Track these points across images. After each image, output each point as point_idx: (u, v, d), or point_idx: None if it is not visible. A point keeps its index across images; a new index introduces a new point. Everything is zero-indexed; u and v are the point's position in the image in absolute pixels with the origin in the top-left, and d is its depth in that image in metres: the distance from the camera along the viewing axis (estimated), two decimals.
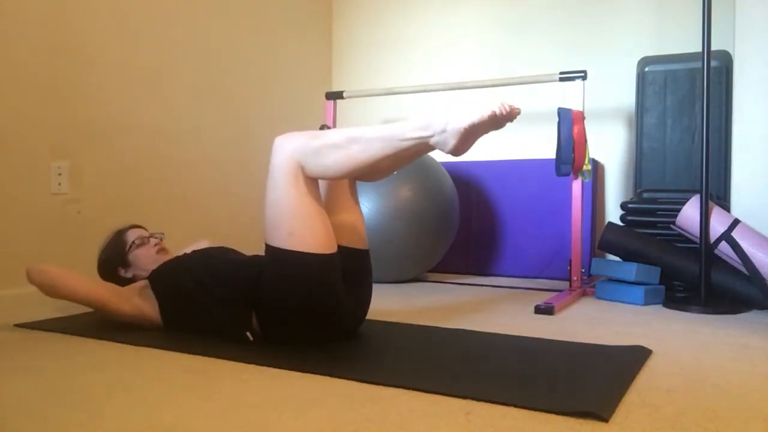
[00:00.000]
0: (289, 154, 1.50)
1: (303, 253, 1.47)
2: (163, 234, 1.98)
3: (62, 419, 1.04)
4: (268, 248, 1.52)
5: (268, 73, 3.21)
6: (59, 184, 2.24)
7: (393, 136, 1.47)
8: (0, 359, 1.43)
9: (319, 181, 1.62)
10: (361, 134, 1.49)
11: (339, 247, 1.56)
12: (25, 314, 1.95)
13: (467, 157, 3.29)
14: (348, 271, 1.57)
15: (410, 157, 1.56)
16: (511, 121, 1.47)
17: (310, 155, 1.49)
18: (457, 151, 1.48)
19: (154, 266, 1.77)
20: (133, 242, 1.86)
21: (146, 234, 1.92)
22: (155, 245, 1.88)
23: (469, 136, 1.47)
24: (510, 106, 1.44)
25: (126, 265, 1.85)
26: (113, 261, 1.86)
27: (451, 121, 1.45)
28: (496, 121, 1.46)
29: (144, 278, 1.78)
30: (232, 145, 2.98)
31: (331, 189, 1.65)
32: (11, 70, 2.10)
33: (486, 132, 1.49)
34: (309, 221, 1.49)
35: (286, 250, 1.48)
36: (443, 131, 1.46)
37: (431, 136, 1.47)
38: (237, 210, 2.99)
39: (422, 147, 1.49)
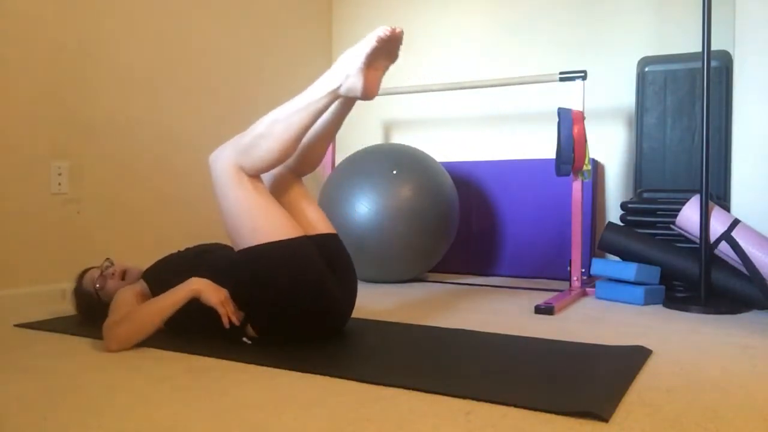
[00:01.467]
0: (225, 162, 1.56)
1: (272, 242, 1.51)
2: (109, 260, 1.88)
3: (62, 419, 1.04)
4: (241, 254, 1.55)
5: (268, 73, 3.21)
6: (59, 184, 2.24)
7: (307, 102, 1.54)
8: (0, 359, 1.43)
9: (270, 187, 1.69)
10: (279, 113, 1.55)
11: (310, 237, 1.59)
12: (25, 314, 1.96)
13: (467, 157, 3.29)
14: (326, 257, 1.59)
15: (335, 122, 1.67)
16: (401, 43, 1.54)
17: (243, 154, 1.55)
18: (367, 91, 1.53)
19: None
20: (96, 288, 1.79)
21: (97, 273, 1.82)
22: (113, 275, 1.80)
23: (371, 71, 1.53)
24: (390, 28, 1.50)
25: (105, 305, 1.77)
26: (96, 311, 1.79)
27: (349, 65, 1.52)
28: (387, 49, 1.54)
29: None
30: None
31: (279, 190, 1.69)
32: (11, 70, 2.10)
33: (385, 65, 1.56)
34: (266, 213, 1.53)
35: (256, 246, 1.51)
36: (347, 76, 1.52)
37: (339, 87, 1.53)
38: None
39: (336, 99, 1.57)
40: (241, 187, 1.54)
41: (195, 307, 1.59)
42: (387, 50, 1.54)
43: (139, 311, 1.51)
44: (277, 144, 1.53)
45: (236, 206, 1.54)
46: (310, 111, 1.54)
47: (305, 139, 1.69)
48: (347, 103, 1.67)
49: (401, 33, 1.52)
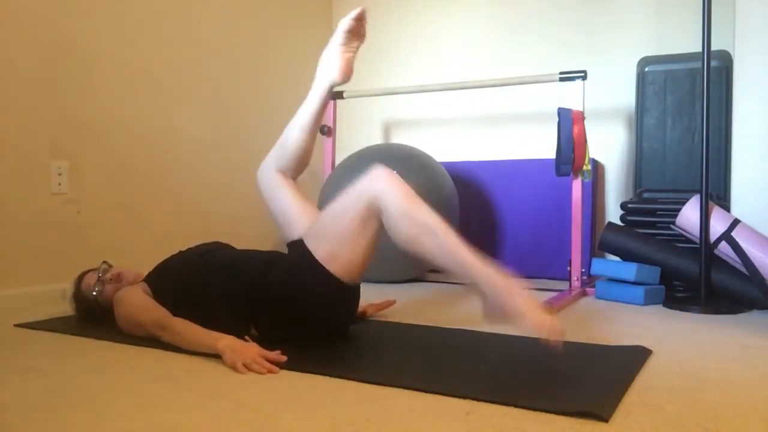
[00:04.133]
0: (379, 191, 1.46)
1: (334, 277, 1.50)
2: (106, 262, 1.87)
3: (62, 419, 1.04)
4: (304, 250, 1.53)
5: (268, 73, 3.21)
6: (59, 184, 2.24)
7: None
8: (0, 359, 1.43)
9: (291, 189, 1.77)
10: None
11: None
12: (25, 314, 1.95)
13: (467, 157, 3.29)
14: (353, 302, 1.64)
15: (319, 112, 1.78)
16: (365, 20, 1.69)
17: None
18: (343, 73, 1.72)
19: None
20: (93, 293, 1.78)
21: (94, 278, 1.81)
22: (110, 279, 1.79)
23: (344, 55, 1.71)
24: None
25: (105, 309, 1.78)
26: (95, 315, 1.80)
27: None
28: (355, 31, 1.69)
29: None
30: (231, 144, 2.98)
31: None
32: (11, 70, 2.10)
33: (356, 46, 1.72)
34: (355, 256, 1.50)
35: (320, 265, 1.50)
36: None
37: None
38: (237, 209, 2.99)
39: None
40: (367, 219, 1.48)
41: (195, 307, 1.59)
42: (355, 32, 1.70)
43: (182, 333, 1.47)
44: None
45: (347, 223, 1.48)
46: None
47: (295, 138, 1.77)
48: (327, 92, 1.78)
49: (363, 12, 1.67)
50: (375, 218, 1.48)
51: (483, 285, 1.36)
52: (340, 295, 1.54)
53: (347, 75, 1.72)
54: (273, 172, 1.76)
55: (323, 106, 1.78)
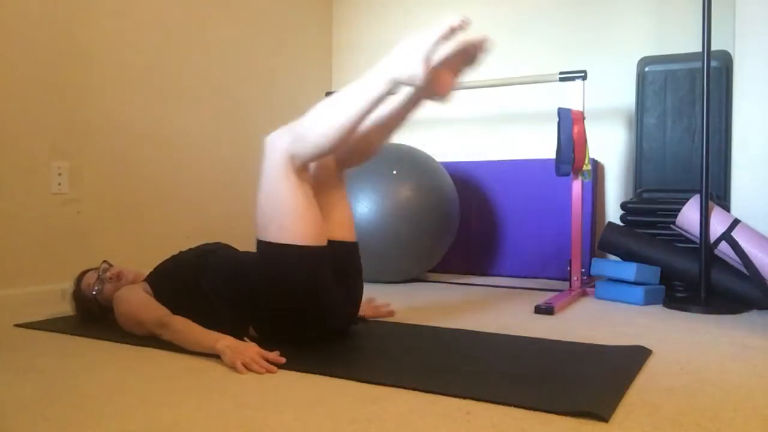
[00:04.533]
0: (279, 149, 1.50)
1: (293, 246, 1.48)
2: (106, 262, 1.88)
3: (62, 419, 1.04)
4: (260, 244, 1.53)
5: (268, 73, 3.21)
6: (59, 184, 2.24)
7: (362, 88, 1.43)
8: (0, 359, 1.43)
9: (309, 176, 1.62)
10: (334, 98, 1.47)
11: (329, 241, 1.57)
12: (25, 314, 1.95)
13: (467, 157, 3.29)
14: (338, 265, 1.58)
15: (397, 116, 1.60)
16: (482, 50, 1.47)
17: (297, 140, 1.48)
18: (437, 88, 1.48)
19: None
20: (93, 292, 1.79)
21: (94, 277, 1.82)
22: (110, 278, 1.80)
23: (444, 70, 1.48)
24: (459, 19, 1.39)
25: (105, 309, 1.79)
26: (95, 314, 1.81)
27: (410, 51, 1.41)
28: (466, 51, 1.48)
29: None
30: (232, 145, 2.98)
31: (319, 182, 1.64)
32: (11, 70, 2.10)
33: (460, 68, 1.51)
34: (300, 214, 1.49)
35: (278, 245, 1.49)
36: (407, 64, 1.41)
37: (397, 73, 1.42)
38: (237, 209, 2.99)
39: (394, 87, 1.44)
40: (286, 178, 1.49)
41: (195, 307, 1.59)
42: (465, 52, 1.49)
43: (183, 332, 1.47)
44: (329, 131, 1.43)
45: (274, 198, 1.50)
46: (365, 98, 1.42)
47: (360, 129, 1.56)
48: (414, 97, 1.59)
49: (484, 41, 1.44)
50: (291, 170, 1.49)
51: (390, 81, 1.40)
52: (313, 258, 1.50)
53: (443, 92, 1.46)
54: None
55: (404, 112, 1.57)
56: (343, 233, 1.63)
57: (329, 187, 1.64)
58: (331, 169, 1.66)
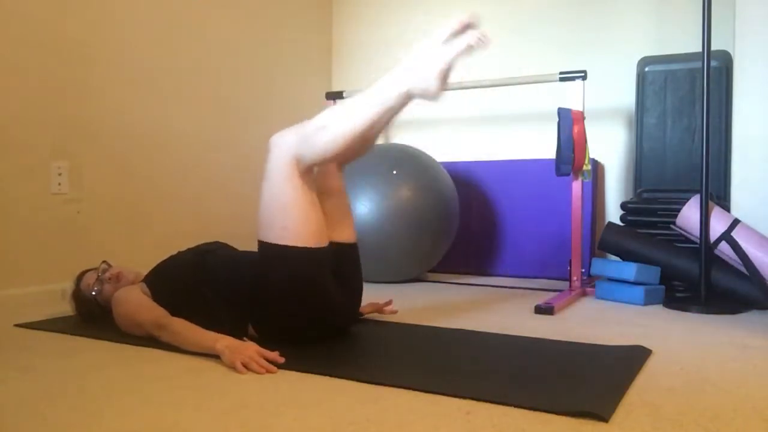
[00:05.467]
0: (284, 150, 1.50)
1: (295, 247, 1.48)
2: (105, 262, 1.88)
3: (62, 419, 1.04)
4: (261, 244, 1.53)
5: (268, 73, 3.21)
6: (59, 184, 2.24)
7: (376, 99, 1.43)
8: (0, 359, 1.43)
9: (312, 177, 1.61)
10: (346, 106, 1.48)
11: (330, 242, 1.57)
12: (25, 314, 1.95)
13: (467, 157, 3.29)
14: (338, 265, 1.59)
15: (393, 115, 1.54)
16: (480, 46, 1.43)
17: (303, 144, 1.48)
18: (438, 94, 1.44)
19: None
20: (93, 292, 1.79)
21: (93, 278, 1.82)
22: (109, 278, 1.80)
23: (446, 73, 1.43)
24: (480, 36, 1.38)
25: (105, 309, 1.79)
26: (95, 314, 1.81)
27: (428, 66, 1.40)
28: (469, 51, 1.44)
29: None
30: (231, 145, 2.98)
31: (321, 183, 1.64)
32: (11, 70, 2.10)
33: (457, 63, 1.47)
34: (303, 215, 1.49)
35: (279, 246, 1.49)
36: (425, 79, 1.40)
37: (414, 88, 1.42)
38: (236, 210, 2.99)
39: (407, 101, 1.45)
40: (290, 179, 1.49)
41: (194, 307, 1.59)
42: (465, 51, 1.46)
43: (181, 333, 1.47)
44: (338, 138, 1.44)
45: (277, 199, 1.50)
46: (379, 110, 1.43)
47: (336, 135, 1.52)
48: (411, 99, 1.55)
49: (483, 38, 1.39)
50: (296, 171, 1.49)
51: (405, 94, 1.42)
52: (314, 260, 1.50)
53: (440, 96, 1.44)
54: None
55: (390, 112, 1.47)
56: (344, 234, 1.64)
57: (329, 188, 1.65)
58: (331, 169, 1.66)
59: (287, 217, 1.49)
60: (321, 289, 1.52)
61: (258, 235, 1.54)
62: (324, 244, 1.53)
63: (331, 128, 1.45)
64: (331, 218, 1.62)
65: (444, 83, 1.43)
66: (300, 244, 1.48)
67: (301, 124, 1.53)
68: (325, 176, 1.65)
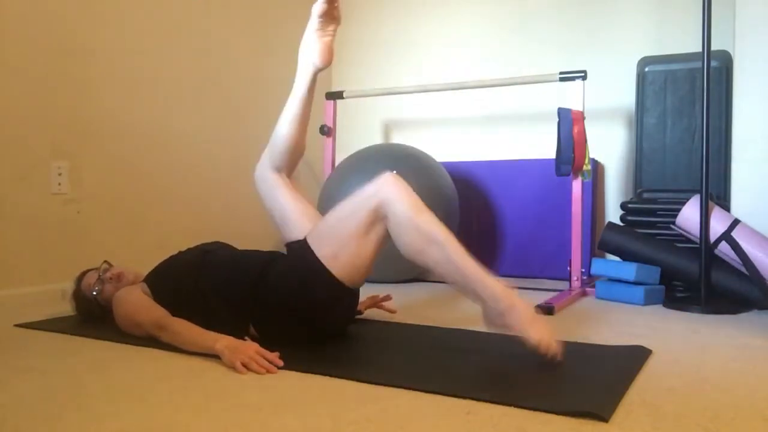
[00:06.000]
0: (390, 201, 1.47)
1: (334, 278, 1.50)
2: (106, 262, 1.88)
3: (62, 419, 1.04)
4: (306, 248, 1.53)
5: (268, 73, 3.21)
6: (59, 184, 2.24)
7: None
8: (0, 359, 1.43)
9: (286, 185, 1.73)
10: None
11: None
12: (25, 314, 1.95)
13: (467, 157, 3.29)
14: None
15: (308, 101, 1.72)
16: (337, 3, 1.63)
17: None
18: (323, 58, 1.66)
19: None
20: (93, 292, 1.79)
21: (94, 278, 1.82)
22: (110, 278, 1.80)
23: (322, 39, 1.66)
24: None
25: (105, 309, 1.79)
26: (95, 314, 1.81)
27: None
28: (329, 15, 1.64)
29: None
30: (231, 145, 2.98)
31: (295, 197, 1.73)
32: (11, 70, 2.10)
33: (333, 29, 1.67)
34: (358, 260, 1.50)
35: (321, 265, 1.50)
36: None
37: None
38: (236, 210, 2.99)
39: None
40: (372, 224, 1.49)
41: (195, 307, 1.59)
42: (329, 15, 1.64)
43: (181, 333, 1.47)
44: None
45: (350, 226, 1.48)
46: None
47: (285, 131, 1.71)
48: (313, 76, 1.72)
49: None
50: (380, 224, 1.49)
51: (486, 297, 1.39)
52: (338, 296, 1.53)
53: (327, 59, 1.67)
54: (269, 172, 1.72)
55: (310, 94, 1.71)
56: None
57: (300, 196, 1.74)
58: (288, 182, 1.74)
59: (346, 251, 1.49)
60: (332, 311, 1.56)
61: (307, 238, 1.54)
62: (357, 287, 1.57)
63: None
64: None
65: (320, 47, 1.65)
66: (338, 277, 1.50)
67: (420, 205, 1.52)
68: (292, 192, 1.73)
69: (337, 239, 1.50)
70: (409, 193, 1.49)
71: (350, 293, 1.56)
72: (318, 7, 1.62)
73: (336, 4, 1.63)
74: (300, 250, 1.54)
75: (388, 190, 1.47)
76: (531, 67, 3.15)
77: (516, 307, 1.37)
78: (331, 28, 1.67)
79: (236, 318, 1.56)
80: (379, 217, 1.48)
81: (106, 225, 2.40)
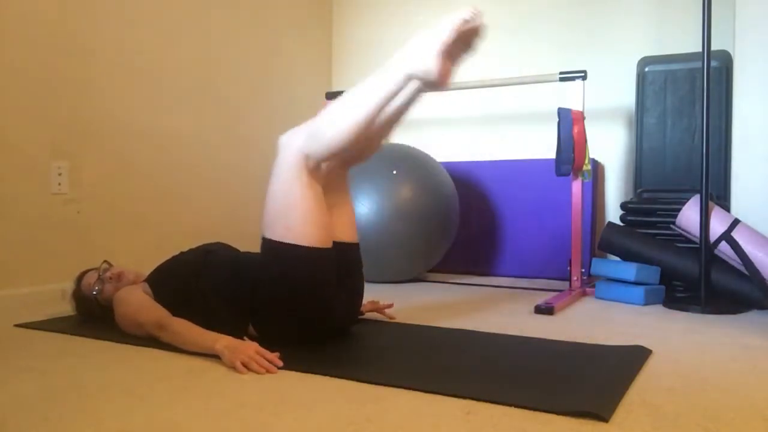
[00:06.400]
0: (294, 149, 1.50)
1: (299, 246, 1.48)
2: (106, 262, 1.88)
3: (62, 419, 1.04)
4: (265, 241, 1.53)
5: (268, 73, 3.21)
6: (59, 184, 2.24)
7: (378, 84, 1.44)
8: (0, 359, 1.43)
9: (320, 176, 1.60)
10: (349, 96, 1.48)
11: (333, 242, 1.57)
12: (25, 314, 1.95)
13: (467, 157, 3.29)
14: (340, 265, 1.58)
15: (401, 110, 1.59)
16: (479, 35, 1.45)
17: (311, 139, 1.48)
18: (441, 79, 1.41)
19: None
20: (94, 292, 1.79)
21: (94, 277, 1.82)
22: (110, 278, 1.80)
23: (446, 60, 1.42)
24: (472, 11, 1.40)
25: (105, 309, 1.79)
26: (95, 314, 1.81)
27: (425, 47, 1.41)
28: (465, 39, 1.44)
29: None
30: (231, 145, 2.98)
31: (326, 182, 1.62)
32: (11, 70, 2.10)
33: (460, 56, 1.48)
34: (309, 215, 1.49)
35: (283, 244, 1.49)
36: (423, 59, 1.40)
37: (414, 69, 1.42)
38: (236, 210, 2.99)
39: (408, 82, 1.45)
40: (298, 178, 1.49)
41: (195, 307, 1.59)
42: (464, 40, 1.45)
43: (181, 333, 1.47)
44: (345, 129, 1.44)
45: (284, 197, 1.50)
46: (380, 94, 1.43)
47: (347, 125, 1.50)
48: (417, 90, 1.55)
49: (481, 23, 1.41)
50: (304, 170, 1.50)
51: (405, 76, 1.42)
52: (318, 260, 1.50)
53: (445, 83, 1.43)
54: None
55: (407, 106, 1.55)
56: (347, 234, 1.64)
57: (334, 188, 1.64)
58: (337, 169, 1.66)
59: (292, 216, 1.49)
60: (322, 288, 1.51)
61: (262, 233, 1.55)
62: (328, 244, 1.53)
63: (336, 120, 1.46)
64: (335, 218, 1.62)
65: (445, 64, 1.41)
66: (303, 243, 1.48)
67: (309, 122, 1.53)
68: (330, 175, 1.64)
69: (281, 213, 1.50)
70: (299, 130, 1.52)
71: (326, 252, 1.52)
72: (465, 15, 1.40)
73: (478, 34, 1.44)
74: (264, 247, 1.54)
75: (289, 145, 1.51)
76: (531, 67, 3.15)
77: (417, 44, 1.41)
78: (461, 53, 1.48)
79: (236, 318, 1.56)
80: (301, 166, 1.49)
81: (106, 225, 2.40)
